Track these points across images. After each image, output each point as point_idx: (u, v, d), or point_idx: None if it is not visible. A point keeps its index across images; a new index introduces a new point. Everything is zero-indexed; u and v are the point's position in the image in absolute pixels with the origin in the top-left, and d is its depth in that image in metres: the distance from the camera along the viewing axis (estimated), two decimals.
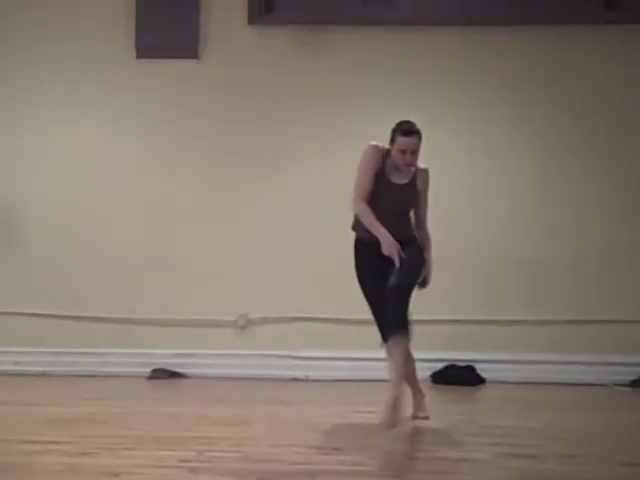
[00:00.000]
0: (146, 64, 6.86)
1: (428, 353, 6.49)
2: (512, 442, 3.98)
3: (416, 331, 6.62)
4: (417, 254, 4.31)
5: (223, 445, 3.81)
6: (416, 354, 6.53)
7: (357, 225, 4.39)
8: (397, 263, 4.08)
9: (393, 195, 4.22)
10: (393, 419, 3.87)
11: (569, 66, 6.75)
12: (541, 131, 6.76)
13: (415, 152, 4.22)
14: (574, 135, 6.74)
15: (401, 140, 4.23)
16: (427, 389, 6.21)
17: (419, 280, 4.43)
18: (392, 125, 6.75)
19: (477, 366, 6.48)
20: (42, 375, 6.54)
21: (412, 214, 4.45)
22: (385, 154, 4.28)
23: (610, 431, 4.45)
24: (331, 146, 6.76)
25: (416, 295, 6.49)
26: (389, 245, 4.10)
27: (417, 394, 4.57)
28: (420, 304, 6.63)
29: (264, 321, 6.29)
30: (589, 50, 6.73)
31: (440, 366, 6.50)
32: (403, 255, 4.11)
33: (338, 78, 6.78)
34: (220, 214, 6.74)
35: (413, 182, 4.27)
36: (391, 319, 4.12)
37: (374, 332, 6.62)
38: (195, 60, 6.87)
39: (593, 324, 6.51)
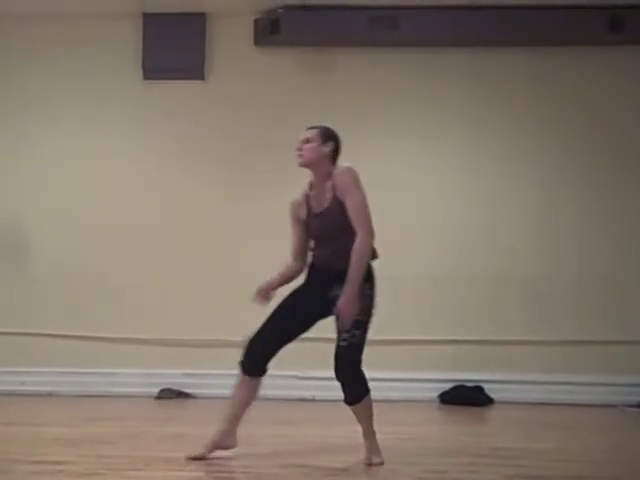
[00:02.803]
0: (153, 85, 6.90)
1: (436, 373, 6.51)
2: (521, 463, 3.95)
3: (425, 351, 6.70)
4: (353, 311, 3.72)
5: (231, 466, 3.80)
6: (424, 374, 6.60)
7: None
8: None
9: (318, 225, 3.89)
10: None
11: (574, 86, 6.78)
12: (546, 150, 6.78)
13: (307, 140, 3.90)
14: (579, 154, 6.75)
15: None
16: (435, 409, 6.25)
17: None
18: (398, 145, 6.86)
19: (485, 386, 6.46)
20: (49, 395, 6.52)
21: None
22: (306, 197, 4.00)
23: (619, 452, 4.42)
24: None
25: (426, 315, 6.57)
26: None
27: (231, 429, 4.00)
28: (428, 325, 6.71)
29: None
30: (594, 70, 6.76)
31: (448, 386, 6.48)
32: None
33: (343, 99, 6.81)
34: (228, 234, 6.74)
35: (334, 202, 3.83)
36: (344, 393, 3.86)
37: (380, 353, 6.65)
38: (201, 81, 6.91)
39: (601, 344, 6.48)
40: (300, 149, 3.93)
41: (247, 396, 3.95)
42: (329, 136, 3.95)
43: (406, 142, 6.82)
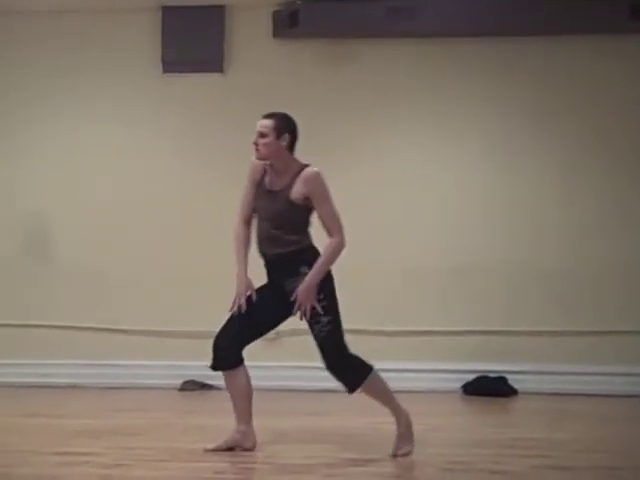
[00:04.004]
0: (172, 78, 6.90)
1: (459, 364, 6.49)
2: (546, 454, 3.95)
3: (448, 342, 6.69)
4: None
5: (256, 457, 3.81)
6: (447, 365, 6.59)
7: None
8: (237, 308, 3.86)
9: (266, 203, 3.91)
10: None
11: (593, 76, 6.69)
12: (565, 143, 6.70)
13: (263, 134, 3.89)
14: (598, 147, 6.67)
15: None
16: (458, 400, 6.24)
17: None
18: (416, 137, 6.84)
19: (509, 377, 6.43)
20: (72, 387, 6.57)
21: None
22: (264, 169, 3.99)
23: None
24: (356, 159, 6.77)
25: (448, 306, 6.56)
26: (237, 293, 3.89)
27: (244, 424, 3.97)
28: (451, 316, 6.69)
29: (294, 333, 6.26)
30: (614, 60, 6.66)
31: (471, 377, 6.46)
32: (243, 306, 3.87)
33: (362, 90, 6.79)
34: None
35: (287, 189, 3.86)
36: (343, 384, 3.86)
37: (403, 344, 6.66)
38: (220, 74, 6.91)
39: (625, 335, 6.42)
40: (256, 143, 3.92)
41: (240, 389, 3.94)
42: (284, 128, 3.95)
43: (424, 135, 6.79)
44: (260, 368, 6.45)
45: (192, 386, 6.50)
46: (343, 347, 3.80)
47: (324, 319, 3.77)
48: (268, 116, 3.97)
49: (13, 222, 6.88)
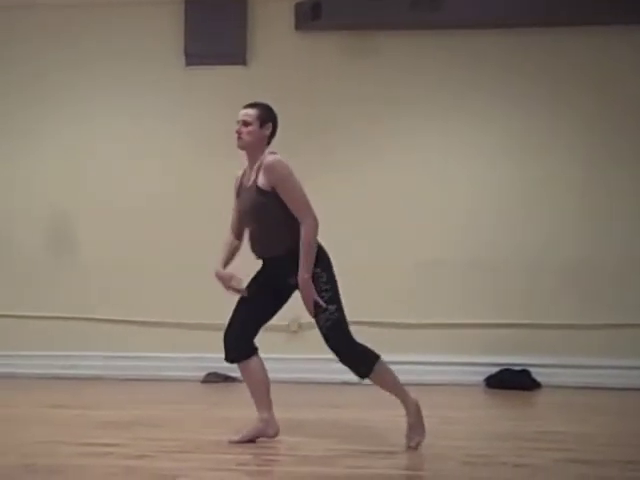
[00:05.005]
0: (195, 71, 6.93)
1: (482, 357, 6.48)
2: (569, 447, 3.92)
3: (471, 335, 6.68)
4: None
5: (279, 448, 3.83)
6: (470, 358, 6.58)
7: None
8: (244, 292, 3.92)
9: (243, 200, 3.96)
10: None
11: (608, 68, 6.62)
12: (586, 140, 6.65)
13: (246, 123, 3.92)
14: (620, 143, 6.61)
15: None
16: (481, 393, 6.23)
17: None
18: (440, 129, 6.80)
19: (532, 370, 6.41)
20: (97, 379, 6.63)
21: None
22: (244, 171, 4.05)
23: None
24: (377, 151, 6.76)
25: (471, 298, 6.54)
26: (232, 289, 3.96)
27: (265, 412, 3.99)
28: (474, 308, 6.68)
29: (315, 325, 6.33)
30: (630, 51, 6.60)
31: (494, 370, 6.45)
32: (244, 293, 3.93)
33: (385, 82, 6.78)
34: None
35: (255, 180, 3.89)
36: (354, 372, 3.85)
37: (426, 336, 6.65)
38: (243, 66, 6.92)
39: None
40: (239, 132, 3.94)
41: (255, 378, 3.97)
42: (267, 117, 3.98)
43: (445, 128, 6.77)
44: (282, 360, 6.55)
45: (215, 378, 6.54)
46: (349, 333, 3.82)
47: (331, 307, 3.78)
48: (250, 105, 4.01)
49: (34, 219, 6.95)
